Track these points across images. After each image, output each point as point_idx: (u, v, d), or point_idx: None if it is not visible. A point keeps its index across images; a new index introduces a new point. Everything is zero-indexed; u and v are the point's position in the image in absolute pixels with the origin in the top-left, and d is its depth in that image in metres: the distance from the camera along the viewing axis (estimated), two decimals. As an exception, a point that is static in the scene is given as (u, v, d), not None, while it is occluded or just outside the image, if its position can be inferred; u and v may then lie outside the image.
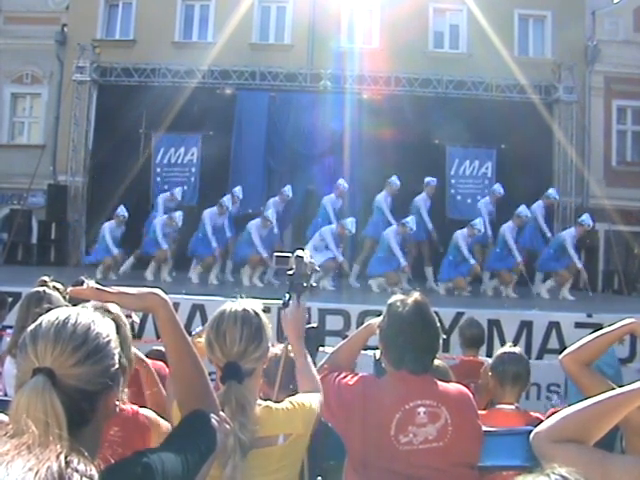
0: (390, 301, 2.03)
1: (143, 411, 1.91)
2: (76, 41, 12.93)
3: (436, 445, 1.82)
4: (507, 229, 9.34)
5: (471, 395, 2.01)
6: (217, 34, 13.59)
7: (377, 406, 1.87)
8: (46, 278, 3.01)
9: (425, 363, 1.93)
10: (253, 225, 9.29)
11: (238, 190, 10.31)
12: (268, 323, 1.71)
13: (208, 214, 9.59)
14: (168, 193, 10.84)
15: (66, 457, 0.84)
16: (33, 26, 13.96)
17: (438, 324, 1.99)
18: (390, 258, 8.86)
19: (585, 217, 9.56)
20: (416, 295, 2.01)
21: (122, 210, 9.99)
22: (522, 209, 9.53)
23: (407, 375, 1.90)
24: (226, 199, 9.82)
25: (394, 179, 9.98)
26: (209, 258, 9.43)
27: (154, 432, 1.83)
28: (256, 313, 1.68)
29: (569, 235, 9.42)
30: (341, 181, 10.25)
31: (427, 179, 10.30)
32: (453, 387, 1.99)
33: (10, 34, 14.04)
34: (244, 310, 1.67)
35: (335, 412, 1.96)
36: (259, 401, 1.67)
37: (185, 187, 12.37)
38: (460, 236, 9.17)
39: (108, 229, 9.75)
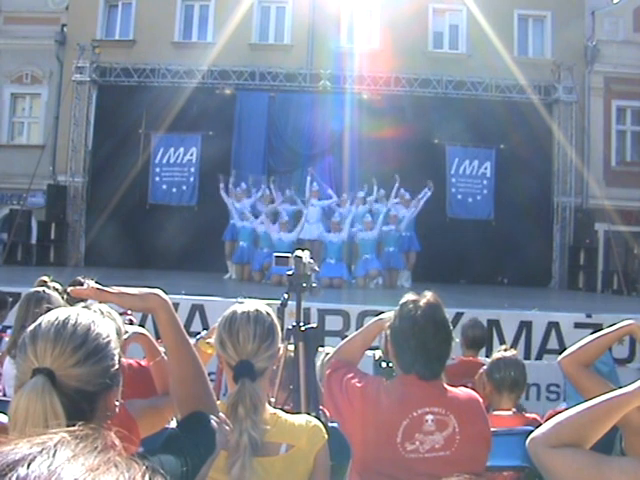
0: (402, 301, 1.94)
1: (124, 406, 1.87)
2: (76, 41, 12.94)
3: (442, 454, 1.79)
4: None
5: (481, 400, 1.97)
6: (217, 34, 13.57)
7: (384, 411, 1.84)
8: (46, 278, 2.99)
9: (435, 369, 1.88)
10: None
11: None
12: (278, 324, 1.72)
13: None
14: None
15: None
16: (33, 26, 13.94)
17: (451, 327, 1.91)
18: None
19: None
20: (429, 296, 1.92)
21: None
22: None
23: (416, 380, 1.85)
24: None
25: None
26: None
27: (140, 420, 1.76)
28: (267, 313, 1.70)
29: None
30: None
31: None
32: (463, 393, 1.94)
33: (10, 34, 14.02)
34: (256, 310, 1.68)
35: (342, 411, 1.93)
36: (268, 407, 1.66)
37: (184, 187, 12.37)
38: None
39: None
